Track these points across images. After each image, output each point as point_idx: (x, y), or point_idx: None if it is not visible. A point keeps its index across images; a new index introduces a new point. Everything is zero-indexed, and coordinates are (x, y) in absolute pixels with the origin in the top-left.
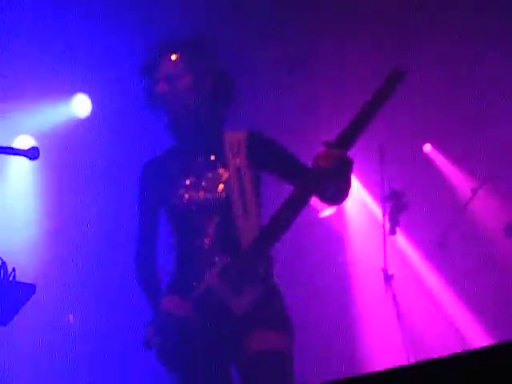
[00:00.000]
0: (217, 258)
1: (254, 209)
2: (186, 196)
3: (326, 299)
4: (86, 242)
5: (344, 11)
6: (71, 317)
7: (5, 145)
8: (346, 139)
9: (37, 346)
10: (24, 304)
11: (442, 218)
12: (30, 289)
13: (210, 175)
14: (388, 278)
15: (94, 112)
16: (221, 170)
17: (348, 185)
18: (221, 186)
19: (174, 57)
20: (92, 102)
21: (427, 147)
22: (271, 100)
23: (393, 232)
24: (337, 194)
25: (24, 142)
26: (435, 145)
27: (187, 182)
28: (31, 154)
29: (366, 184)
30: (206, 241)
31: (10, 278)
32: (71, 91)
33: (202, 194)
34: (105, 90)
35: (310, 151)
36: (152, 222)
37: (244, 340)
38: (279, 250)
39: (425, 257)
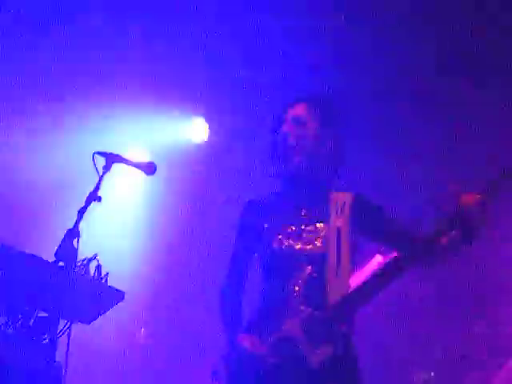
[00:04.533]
0: (302, 307)
1: (347, 269)
2: (286, 243)
3: None
4: (181, 264)
5: None
6: (142, 329)
7: (117, 152)
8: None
9: (107, 349)
10: (110, 308)
11: None
12: (119, 295)
13: (310, 228)
14: None
15: (209, 139)
16: (321, 225)
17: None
18: (319, 241)
19: (304, 105)
20: (210, 130)
21: None
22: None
23: None
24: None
25: (138, 154)
26: None
27: (288, 230)
28: (148, 169)
29: None
30: (296, 288)
31: (103, 281)
32: (192, 114)
33: (300, 244)
34: (225, 121)
35: None
36: (245, 259)
37: None
38: None
39: None
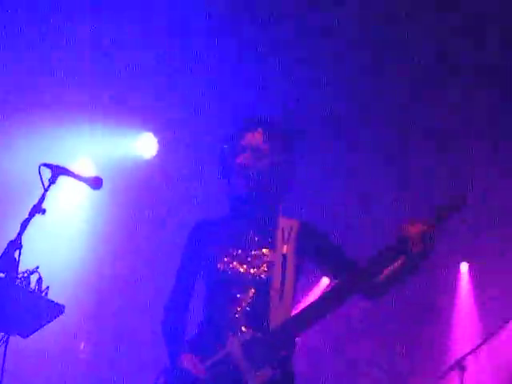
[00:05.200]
0: (244, 329)
1: (290, 294)
2: (231, 265)
3: None
4: (124, 278)
5: None
6: (82, 344)
7: (63, 164)
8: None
9: (46, 364)
10: (49, 322)
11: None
12: (59, 309)
13: (256, 252)
14: None
15: (158, 154)
16: (266, 251)
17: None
18: (264, 265)
19: (261, 132)
20: (159, 145)
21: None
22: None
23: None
24: (389, 283)
25: (84, 165)
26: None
27: (234, 253)
28: (94, 183)
29: None
30: (238, 309)
31: (43, 294)
32: (141, 129)
33: (245, 267)
34: (175, 136)
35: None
36: (190, 279)
37: None
38: None
39: None
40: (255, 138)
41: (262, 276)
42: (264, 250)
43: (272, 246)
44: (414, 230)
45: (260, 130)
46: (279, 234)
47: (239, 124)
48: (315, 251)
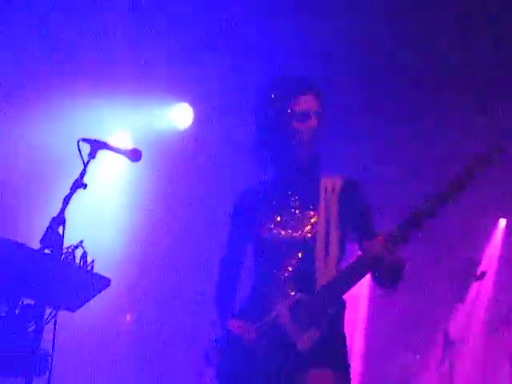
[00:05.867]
0: (291, 292)
1: (336, 253)
2: (275, 231)
3: None
4: (166, 249)
5: None
6: (128, 316)
7: (101, 138)
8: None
9: (94, 337)
10: (96, 295)
11: None
12: (105, 282)
13: (300, 215)
14: (449, 343)
15: (194, 124)
16: (311, 212)
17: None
18: (308, 227)
19: (315, 96)
20: (195, 115)
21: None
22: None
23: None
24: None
25: (121, 140)
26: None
27: (278, 219)
28: (133, 155)
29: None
30: (285, 274)
31: (89, 268)
32: (177, 99)
33: (289, 231)
34: (211, 106)
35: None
36: (239, 248)
37: (300, 376)
38: None
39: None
40: (314, 102)
41: (307, 238)
42: (307, 212)
43: (315, 207)
44: (372, 244)
45: (312, 92)
46: (322, 194)
47: (286, 86)
48: (352, 210)
